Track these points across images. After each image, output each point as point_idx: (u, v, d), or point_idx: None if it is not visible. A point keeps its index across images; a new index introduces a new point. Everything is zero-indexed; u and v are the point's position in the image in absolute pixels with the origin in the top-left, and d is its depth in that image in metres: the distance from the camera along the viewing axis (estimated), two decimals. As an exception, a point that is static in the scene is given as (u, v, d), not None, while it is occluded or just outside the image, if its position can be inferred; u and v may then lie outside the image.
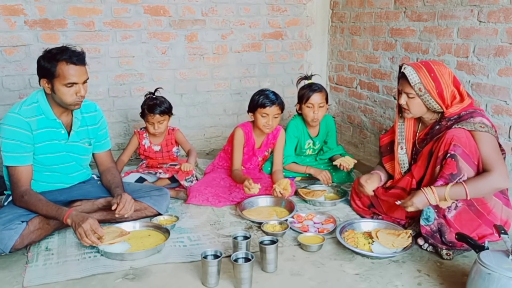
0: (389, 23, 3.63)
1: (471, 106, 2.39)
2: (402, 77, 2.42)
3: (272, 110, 3.00)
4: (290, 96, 4.33)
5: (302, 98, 3.27)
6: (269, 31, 4.28)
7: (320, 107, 3.25)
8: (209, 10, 4.01)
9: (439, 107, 2.39)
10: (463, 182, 2.20)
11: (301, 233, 2.50)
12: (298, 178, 3.38)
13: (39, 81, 2.38)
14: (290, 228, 2.56)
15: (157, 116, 3.12)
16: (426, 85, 2.34)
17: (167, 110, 3.18)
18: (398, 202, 2.38)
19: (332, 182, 3.24)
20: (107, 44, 3.74)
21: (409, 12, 3.41)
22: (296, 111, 3.39)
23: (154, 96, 3.20)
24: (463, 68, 2.98)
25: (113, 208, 2.43)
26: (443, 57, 3.11)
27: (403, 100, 2.44)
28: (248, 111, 3.14)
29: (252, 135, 3.15)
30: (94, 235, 2.22)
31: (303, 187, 3.16)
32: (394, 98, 3.67)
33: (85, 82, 2.38)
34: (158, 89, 3.29)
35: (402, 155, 2.60)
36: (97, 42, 3.69)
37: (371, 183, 2.62)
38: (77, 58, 2.32)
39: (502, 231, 1.92)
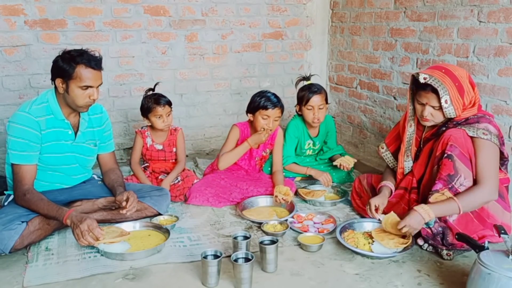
0: (389, 23, 3.63)
1: (479, 110, 2.35)
2: (430, 89, 2.25)
3: (274, 112, 2.99)
4: (290, 96, 4.33)
5: (302, 99, 3.26)
6: (269, 31, 4.27)
7: (320, 108, 3.25)
8: (209, 10, 4.01)
9: (455, 114, 2.29)
10: (455, 198, 2.19)
11: (301, 233, 2.50)
12: (298, 178, 3.38)
13: (53, 80, 2.40)
14: (290, 228, 2.56)
15: (166, 107, 3.11)
16: (453, 97, 2.21)
17: (170, 101, 3.19)
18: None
19: (332, 182, 3.23)
20: (107, 44, 3.74)
21: (409, 12, 3.41)
22: (296, 111, 3.39)
23: (154, 92, 3.20)
24: (463, 68, 2.97)
25: (122, 205, 2.44)
26: (443, 57, 3.11)
27: (427, 112, 2.30)
28: (247, 112, 3.11)
29: (248, 135, 3.13)
30: (90, 234, 2.20)
31: (303, 187, 3.16)
32: (394, 98, 3.67)
33: (98, 86, 2.41)
34: (157, 84, 3.26)
35: (407, 162, 2.56)
36: (97, 42, 3.69)
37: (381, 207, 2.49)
38: (95, 62, 2.37)
39: (502, 231, 1.92)
